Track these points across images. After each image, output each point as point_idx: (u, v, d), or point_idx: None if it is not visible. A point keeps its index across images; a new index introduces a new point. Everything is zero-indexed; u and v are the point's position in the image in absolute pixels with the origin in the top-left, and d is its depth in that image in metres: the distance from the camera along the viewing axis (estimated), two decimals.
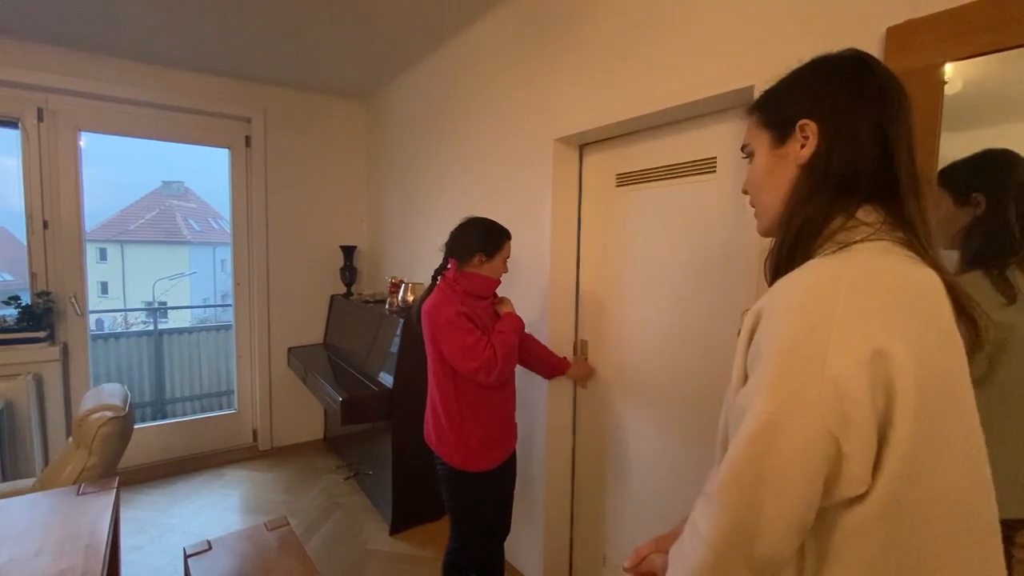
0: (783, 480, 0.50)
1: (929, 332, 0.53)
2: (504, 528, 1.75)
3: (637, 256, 1.73)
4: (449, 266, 1.63)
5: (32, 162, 2.64)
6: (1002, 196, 0.93)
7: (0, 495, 1.59)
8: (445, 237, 1.65)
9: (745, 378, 0.57)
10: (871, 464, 0.50)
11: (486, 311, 1.64)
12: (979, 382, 0.92)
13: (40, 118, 2.64)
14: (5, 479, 2.38)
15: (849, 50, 0.66)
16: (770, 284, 0.62)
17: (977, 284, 0.93)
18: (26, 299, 2.65)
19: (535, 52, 1.94)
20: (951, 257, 0.98)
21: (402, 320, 2.46)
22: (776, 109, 0.68)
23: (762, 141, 0.69)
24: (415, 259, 2.97)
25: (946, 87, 0.98)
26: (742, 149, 0.75)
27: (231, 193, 3.24)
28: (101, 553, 1.15)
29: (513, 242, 1.91)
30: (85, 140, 2.81)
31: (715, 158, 1.47)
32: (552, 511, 1.99)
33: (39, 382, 2.62)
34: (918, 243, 0.58)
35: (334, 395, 2.37)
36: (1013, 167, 0.93)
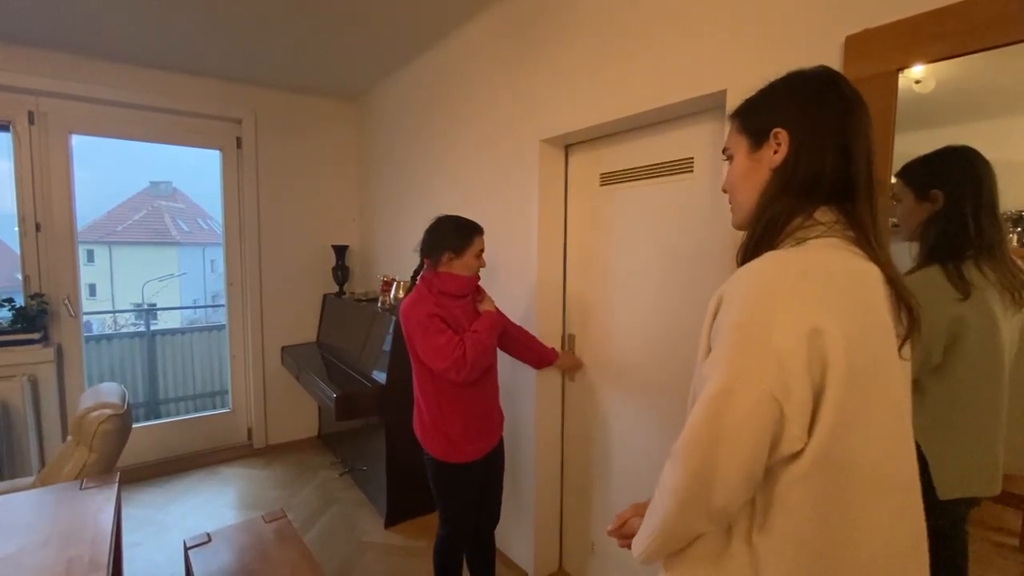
0: (736, 438, 0.58)
1: (861, 315, 0.61)
2: (492, 516, 1.80)
3: (621, 252, 1.79)
4: (425, 266, 1.66)
5: (24, 165, 2.66)
6: (959, 193, 0.98)
7: (0, 493, 1.63)
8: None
9: (708, 351, 0.66)
10: (807, 425, 0.59)
11: (464, 309, 1.63)
12: (937, 373, 1.00)
13: (32, 121, 2.66)
14: (2, 479, 2.40)
15: (820, 67, 0.73)
16: None
17: (934, 279, 0.98)
18: (19, 301, 2.67)
19: (521, 54, 2.00)
20: (913, 249, 1.04)
21: (394, 318, 2.51)
22: (753, 117, 0.76)
23: (740, 145, 0.77)
24: (406, 257, 3.02)
25: (918, 86, 1.04)
26: (723, 151, 0.83)
27: (223, 194, 3.26)
28: (106, 543, 1.19)
29: (501, 241, 1.97)
30: (75, 142, 2.82)
31: (692, 158, 1.54)
32: (541, 500, 2.06)
33: (34, 383, 2.64)
34: (866, 242, 0.66)
35: (328, 392, 2.42)
36: (971, 164, 0.98)
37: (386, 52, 2.68)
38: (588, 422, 1.97)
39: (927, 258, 1.02)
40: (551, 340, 2.02)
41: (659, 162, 1.64)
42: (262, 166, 3.28)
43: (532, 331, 1.99)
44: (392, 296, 2.65)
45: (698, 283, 1.53)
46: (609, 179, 1.83)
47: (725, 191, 0.82)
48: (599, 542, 1.94)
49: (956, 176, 1.00)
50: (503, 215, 2.14)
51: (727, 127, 0.84)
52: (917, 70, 1.01)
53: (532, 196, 1.97)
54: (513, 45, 2.04)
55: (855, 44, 1.06)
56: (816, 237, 0.66)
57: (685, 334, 1.58)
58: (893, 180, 1.05)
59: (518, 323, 2.02)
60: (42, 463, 2.65)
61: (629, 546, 0.77)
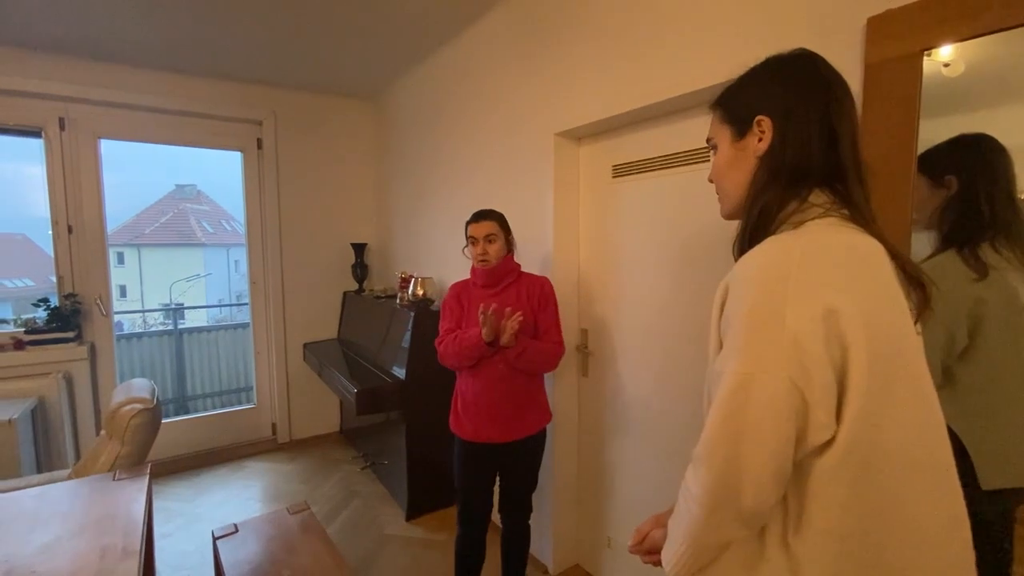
0: (759, 432, 0.56)
1: (873, 289, 0.59)
2: (509, 513, 1.81)
3: (635, 245, 1.78)
4: None
5: (56, 170, 2.76)
6: (973, 178, 0.97)
7: (39, 484, 1.70)
8: (453, 232, 1.73)
9: (720, 346, 0.64)
10: (834, 410, 0.56)
11: (483, 298, 1.65)
12: (965, 358, 0.97)
13: (62, 127, 2.75)
14: (40, 472, 2.50)
15: (798, 50, 0.72)
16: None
17: (949, 262, 0.97)
18: (54, 301, 2.77)
19: (534, 48, 1.99)
20: (929, 238, 1.02)
21: (413, 314, 2.53)
22: (735, 106, 0.75)
23: (724, 135, 0.76)
24: (424, 254, 3.05)
25: (947, 70, 1.01)
26: (707, 141, 0.81)
27: (245, 195, 3.34)
28: (139, 532, 1.24)
29: (517, 236, 1.98)
30: (104, 147, 2.91)
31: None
32: (559, 495, 2.06)
33: (69, 380, 2.74)
34: (861, 218, 0.65)
35: (349, 387, 2.46)
36: (985, 151, 0.97)
37: (401, 50, 2.70)
38: (604, 416, 1.96)
39: (943, 243, 1.01)
40: (566, 334, 2.02)
41: (674, 152, 1.62)
42: (282, 166, 3.34)
43: None
44: (410, 292, 2.67)
45: (715, 274, 1.50)
46: (622, 171, 1.81)
47: (711, 181, 0.81)
48: (615, 537, 1.93)
49: (969, 161, 1.00)
50: (518, 210, 2.14)
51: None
52: (945, 52, 0.98)
53: (547, 190, 1.96)
54: (526, 39, 2.04)
55: (877, 25, 1.03)
56: (814, 219, 0.64)
57: (702, 327, 1.56)
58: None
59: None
60: (77, 456, 2.76)
61: (655, 562, 0.73)
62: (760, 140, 0.70)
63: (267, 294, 3.41)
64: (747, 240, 0.69)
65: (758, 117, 0.70)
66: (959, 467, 0.61)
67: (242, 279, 3.45)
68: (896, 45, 1.00)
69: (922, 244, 1.02)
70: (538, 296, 1.70)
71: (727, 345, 0.61)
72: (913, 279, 0.64)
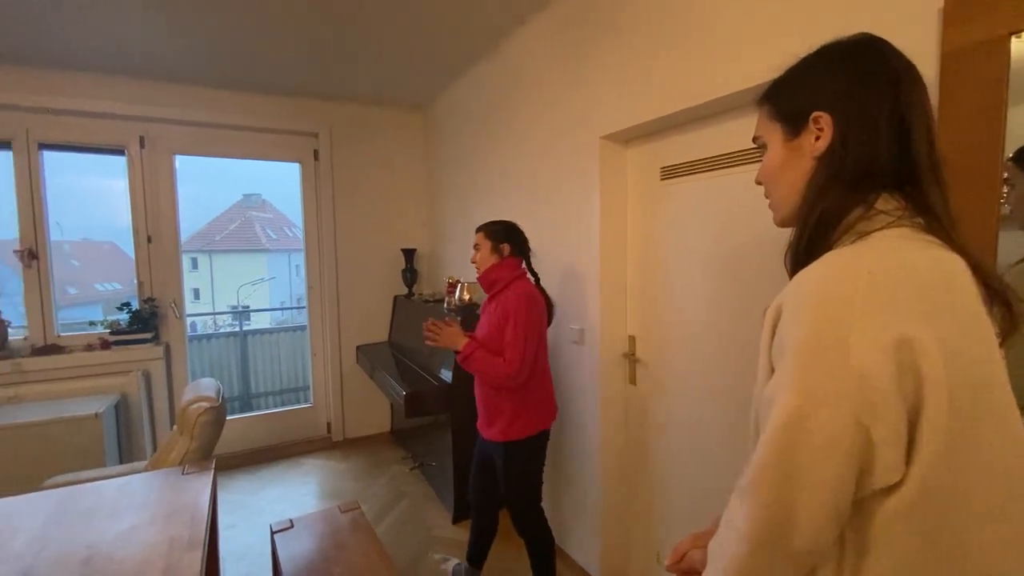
0: (814, 472, 0.50)
1: (956, 316, 0.52)
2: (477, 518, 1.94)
3: (684, 249, 1.72)
4: None
5: (136, 184, 3.00)
6: None
7: (120, 474, 1.84)
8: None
9: (771, 372, 0.57)
10: (904, 451, 0.50)
11: (485, 307, 1.86)
12: None
13: (142, 145, 3.00)
14: (122, 462, 2.72)
15: (860, 35, 0.64)
16: (791, 276, 0.62)
17: None
18: (135, 305, 3.02)
19: (577, 52, 1.97)
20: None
21: (459, 318, 2.56)
22: (787, 101, 0.67)
23: (774, 133, 0.69)
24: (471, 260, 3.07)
25: None
26: (754, 141, 0.74)
27: (302, 204, 3.51)
28: (203, 524, 1.31)
29: (563, 242, 1.98)
30: (178, 162, 3.15)
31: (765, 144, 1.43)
32: (607, 506, 2.01)
33: (147, 378, 2.97)
34: (940, 227, 0.57)
35: (398, 390, 2.51)
36: None
37: (447, 61, 2.75)
38: (652, 427, 1.90)
39: None
40: (613, 342, 1.98)
41: (727, 152, 1.55)
42: (337, 176, 3.49)
43: (594, 333, 1.96)
44: (457, 297, 2.71)
45: (772, 280, 1.43)
46: (671, 172, 1.75)
47: (759, 183, 0.74)
48: (665, 553, 1.86)
49: None
50: (564, 215, 2.12)
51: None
52: None
53: (593, 195, 1.93)
54: (568, 43, 2.02)
55: (955, 8, 0.94)
56: (881, 229, 0.56)
57: (753, 339, 1.48)
58: (1006, 162, 0.93)
59: (578, 326, 2.01)
60: (154, 447, 2.98)
61: None
62: (818, 139, 0.63)
63: (323, 297, 3.55)
64: (802, 251, 0.62)
65: (815, 113, 0.63)
66: None
67: (302, 283, 3.62)
68: (979, 28, 0.91)
69: (1012, 244, 0.90)
70: (505, 310, 1.71)
71: (780, 372, 0.54)
72: (998, 295, 0.56)
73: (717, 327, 1.62)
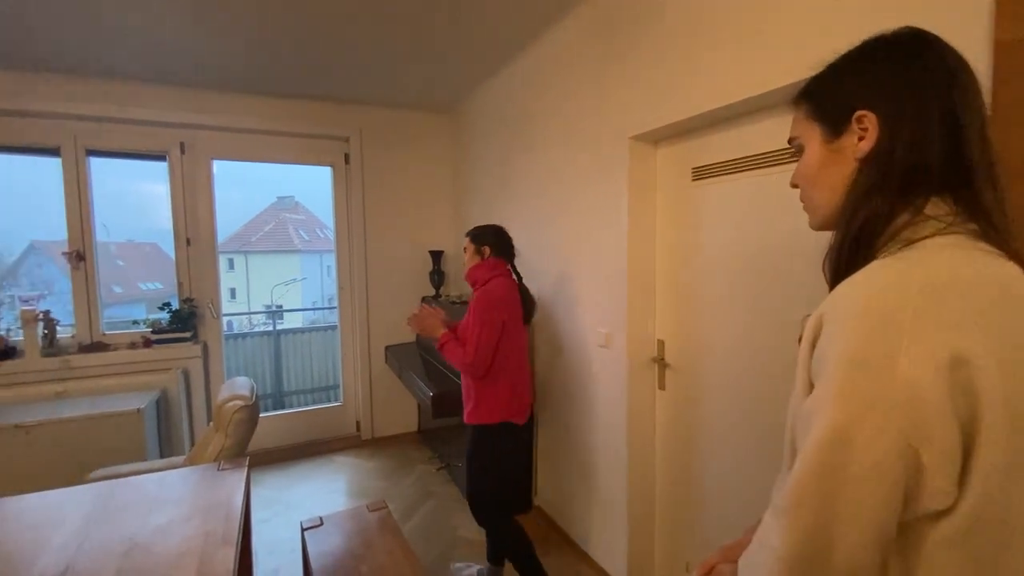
0: (856, 494, 0.47)
1: (1013, 332, 0.48)
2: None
3: (716, 251, 1.67)
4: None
5: (177, 188, 3.12)
6: None
7: (159, 469, 1.92)
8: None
9: (810, 387, 0.54)
10: (956, 476, 0.47)
11: (469, 302, 1.96)
12: None
13: (182, 151, 3.11)
14: (162, 456, 2.83)
15: (907, 28, 0.60)
16: (831, 285, 0.59)
17: None
18: (175, 304, 3.13)
19: (606, 52, 1.94)
20: None
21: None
22: (828, 99, 0.64)
23: (813, 134, 0.65)
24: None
25: None
26: (790, 142, 0.70)
27: (334, 206, 3.58)
28: (237, 520, 1.35)
29: (591, 245, 1.96)
30: (216, 166, 3.26)
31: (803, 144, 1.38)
32: (634, 512, 1.98)
33: (186, 375, 3.09)
34: (995, 234, 0.53)
35: (425, 390, 2.54)
36: None
37: (475, 65, 2.76)
38: (682, 433, 1.86)
39: None
40: (642, 346, 1.95)
41: (762, 152, 1.50)
42: (367, 179, 3.55)
43: (622, 336, 1.94)
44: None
45: (810, 286, 1.38)
46: (702, 173, 1.71)
47: (795, 186, 0.70)
48: (693, 563, 1.82)
49: None
50: (592, 216, 2.10)
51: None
52: None
53: (622, 197, 1.91)
54: (597, 43, 1.99)
55: (1010, 1, 0.89)
56: (930, 236, 0.53)
57: (788, 347, 1.43)
58: None
59: (606, 330, 1.99)
60: (192, 443, 3.09)
61: None
62: (861, 139, 0.59)
63: (353, 298, 3.62)
64: (844, 259, 0.59)
65: (859, 112, 0.59)
66: None
67: (333, 284, 3.71)
68: None
69: None
70: (473, 305, 1.90)
71: (821, 389, 0.51)
72: None
73: (751, 332, 1.57)
